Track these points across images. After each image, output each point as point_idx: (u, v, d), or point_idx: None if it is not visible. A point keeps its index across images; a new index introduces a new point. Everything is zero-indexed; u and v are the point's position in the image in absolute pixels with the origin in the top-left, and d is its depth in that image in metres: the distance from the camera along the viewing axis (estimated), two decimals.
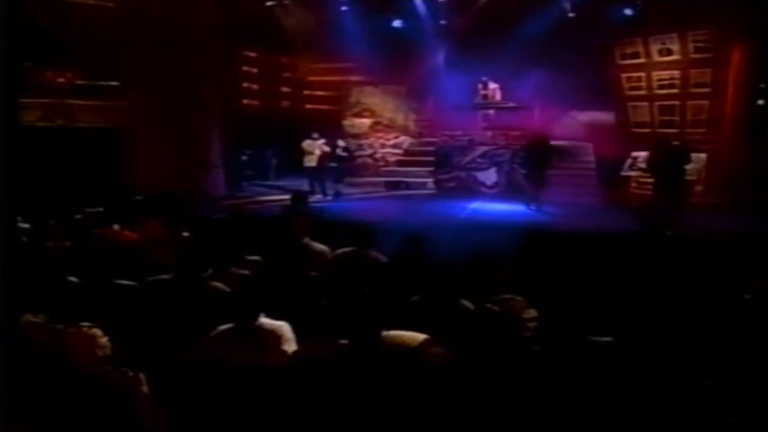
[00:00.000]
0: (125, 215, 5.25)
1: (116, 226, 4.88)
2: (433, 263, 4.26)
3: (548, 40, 13.64)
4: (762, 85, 11.64)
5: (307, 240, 4.75)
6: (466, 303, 3.48)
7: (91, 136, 10.17)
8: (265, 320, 2.95)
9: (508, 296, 2.44)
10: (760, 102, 11.59)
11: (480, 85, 13.41)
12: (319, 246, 4.74)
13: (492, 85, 13.42)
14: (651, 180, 10.11)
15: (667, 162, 9.37)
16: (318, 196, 11.84)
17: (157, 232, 4.92)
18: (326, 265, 4.53)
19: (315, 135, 12.48)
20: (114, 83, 10.83)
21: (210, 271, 3.62)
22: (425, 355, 2.55)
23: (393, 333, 2.84)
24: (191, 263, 3.33)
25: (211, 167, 11.80)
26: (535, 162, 11.22)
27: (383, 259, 4.64)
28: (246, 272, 3.77)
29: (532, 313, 2.39)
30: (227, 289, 3.20)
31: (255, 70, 14.27)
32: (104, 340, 2.26)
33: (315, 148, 12.46)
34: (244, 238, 5.07)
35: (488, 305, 2.44)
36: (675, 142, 10.22)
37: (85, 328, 2.26)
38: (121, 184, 9.49)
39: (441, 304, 3.41)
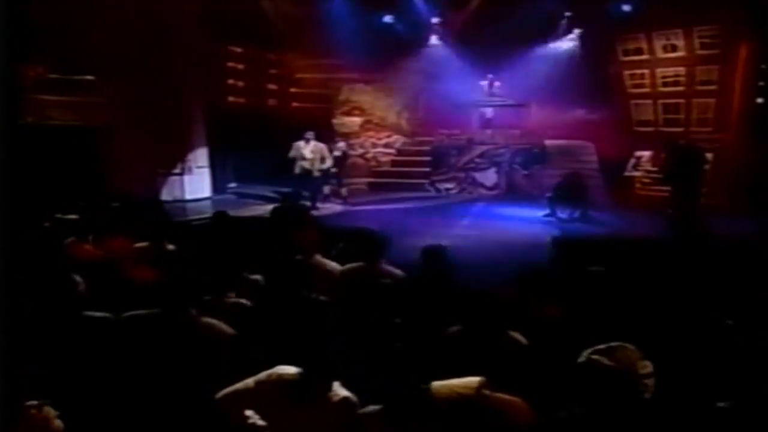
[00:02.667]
0: (100, 225, 4.55)
1: (89, 243, 4.14)
2: (464, 282, 3.66)
3: (547, 36, 13.23)
4: (761, 83, 11.28)
5: (318, 258, 4.10)
6: (516, 335, 2.89)
7: (65, 135, 9.37)
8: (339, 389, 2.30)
9: (615, 344, 1.87)
10: (760, 100, 11.24)
11: (486, 83, 12.85)
12: (332, 264, 4.10)
13: (496, 83, 12.88)
14: (666, 188, 9.49)
15: (684, 168, 8.76)
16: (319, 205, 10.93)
17: (131, 249, 4.22)
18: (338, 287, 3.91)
19: (309, 135, 11.25)
20: (90, 78, 10.03)
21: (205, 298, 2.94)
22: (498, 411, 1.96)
23: (439, 384, 2.22)
24: (178, 291, 2.62)
25: (195, 168, 11.06)
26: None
27: (399, 274, 4.02)
28: (245, 301, 3.12)
29: (647, 366, 1.80)
30: (227, 329, 2.53)
31: (241, 67, 13.55)
32: (58, 423, 1.60)
33: (307, 150, 11.20)
34: (237, 251, 4.44)
35: (594, 356, 1.85)
36: (687, 144, 9.62)
37: (33, 410, 1.60)
38: (98, 188, 8.69)
39: (486, 336, 2.81)
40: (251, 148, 12.39)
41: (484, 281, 3.67)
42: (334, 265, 4.09)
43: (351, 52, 13.26)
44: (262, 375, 2.19)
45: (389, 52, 13.63)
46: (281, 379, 2.17)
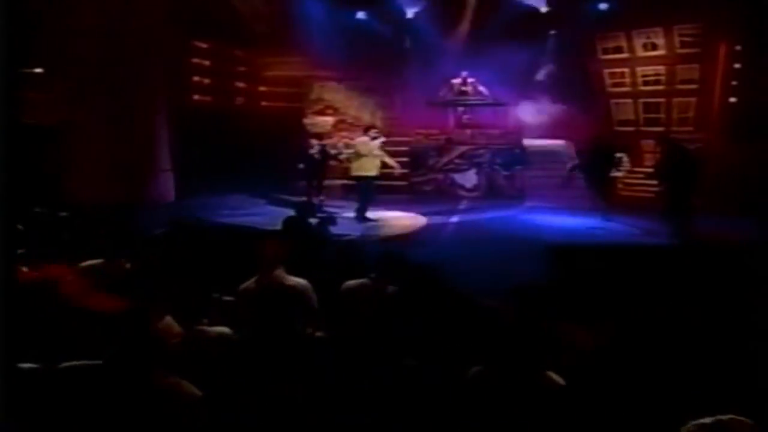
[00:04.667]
0: (42, 239, 3.88)
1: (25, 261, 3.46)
2: (474, 303, 3.15)
3: (525, 33, 12.88)
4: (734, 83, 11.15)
5: (279, 272, 3.55)
6: (555, 376, 2.38)
7: (8, 135, 8.49)
8: None
9: (725, 417, 1.40)
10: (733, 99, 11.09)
11: (459, 80, 12.40)
12: (295, 280, 3.55)
13: (471, 80, 12.44)
14: (651, 188, 9.20)
15: (679, 167, 8.45)
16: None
17: (75, 270, 3.57)
18: (308, 311, 3.37)
19: (374, 132, 9.96)
20: (38, 71, 9.18)
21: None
22: None
23: None
24: (135, 331, 2.01)
25: (159, 171, 10.31)
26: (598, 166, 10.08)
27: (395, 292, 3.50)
28: (226, 330, 2.55)
29: None
30: (194, 391, 1.93)
31: (207, 63, 12.81)
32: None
33: (375, 146, 9.67)
34: (207, 265, 3.86)
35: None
36: (682, 144, 9.33)
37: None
38: (47, 196, 7.87)
39: (519, 377, 2.30)
40: (218, 149, 11.69)
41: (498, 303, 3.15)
42: (299, 282, 3.53)
43: (323, 49, 12.70)
44: None
45: (363, 49, 13.09)
46: None
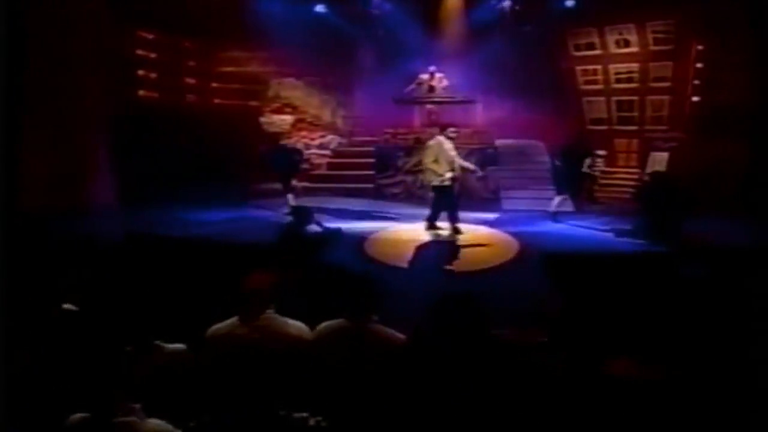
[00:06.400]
0: None
1: None
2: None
3: (495, 28, 12.42)
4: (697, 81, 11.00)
5: (271, 315, 2.74)
6: None
7: None
8: None
9: None
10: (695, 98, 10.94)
11: (426, 76, 11.75)
12: (295, 326, 2.76)
13: (439, 76, 11.82)
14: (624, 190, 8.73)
15: (663, 201, 8.00)
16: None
17: None
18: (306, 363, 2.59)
19: (452, 132, 8.55)
20: None
21: None
22: None
23: None
24: None
25: (100, 174, 9.20)
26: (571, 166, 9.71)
27: (401, 339, 2.70)
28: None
29: None
30: None
31: (153, 55, 11.68)
32: None
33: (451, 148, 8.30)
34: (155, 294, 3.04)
35: None
36: (675, 181, 8.96)
37: None
38: None
39: None
40: (167, 150, 10.62)
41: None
42: (298, 328, 2.74)
43: (280, 43, 11.84)
44: None
45: (323, 44, 12.29)
46: None
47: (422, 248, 7.66)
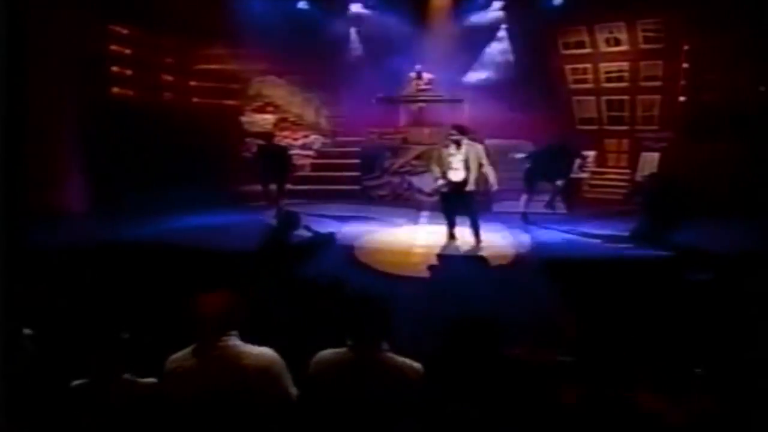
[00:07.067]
0: None
1: None
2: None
3: (484, 26, 12.15)
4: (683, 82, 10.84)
5: (233, 341, 2.35)
6: None
7: None
8: None
9: None
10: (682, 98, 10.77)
11: (413, 75, 11.42)
12: (258, 353, 2.36)
13: (426, 75, 11.50)
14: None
15: (667, 202, 7.74)
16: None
17: None
18: (273, 396, 2.21)
19: (454, 134, 7.56)
20: None
21: None
22: None
23: None
24: None
25: (69, 177, 8.69)
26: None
27: (418, 369, 2.31)
28: None
29: None
30: None
31: (128, 51, 11.15)
32: None
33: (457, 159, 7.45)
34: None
35: None
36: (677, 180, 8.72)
37: None
38: None
39: None
40: (142, 150, 10.13)
41: None
42: (261, 354, 2.35)
43: (262, 40, 11.41)
44: None
45: (306, 41, 11.89)
46: None
47: (423, 257, 7.14)
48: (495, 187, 7.69)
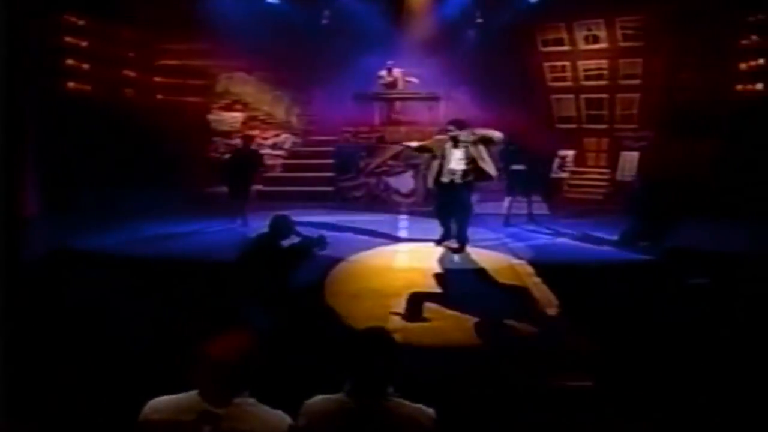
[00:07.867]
0: None
1: None
2: None
3: (461, 22, 11.82)
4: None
5: (245, 401, 1.82)
6: None
7: None
8: None
9: None
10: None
11: (384, 72, 11.03)
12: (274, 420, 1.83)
13: (396, 70, 11.11)
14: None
15: (658, 202, 7.53)
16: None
17: None
18: None
19: (451, 129, 7.26)
20: None
21: None
22: None
23: None
24: None
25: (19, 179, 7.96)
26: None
27: (431, 415, 1.84)
28: None
29: None
30: None
31: (85, 44, 10.45)
32: None
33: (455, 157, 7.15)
34: None
35: None
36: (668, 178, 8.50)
37: None
38: None
39: None
40: (99, 150, 9.46)
41: None
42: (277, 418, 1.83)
43: (230, 35, 10.86)
44: None
45: (275, 37, 11.39)
46: None
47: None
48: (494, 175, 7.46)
